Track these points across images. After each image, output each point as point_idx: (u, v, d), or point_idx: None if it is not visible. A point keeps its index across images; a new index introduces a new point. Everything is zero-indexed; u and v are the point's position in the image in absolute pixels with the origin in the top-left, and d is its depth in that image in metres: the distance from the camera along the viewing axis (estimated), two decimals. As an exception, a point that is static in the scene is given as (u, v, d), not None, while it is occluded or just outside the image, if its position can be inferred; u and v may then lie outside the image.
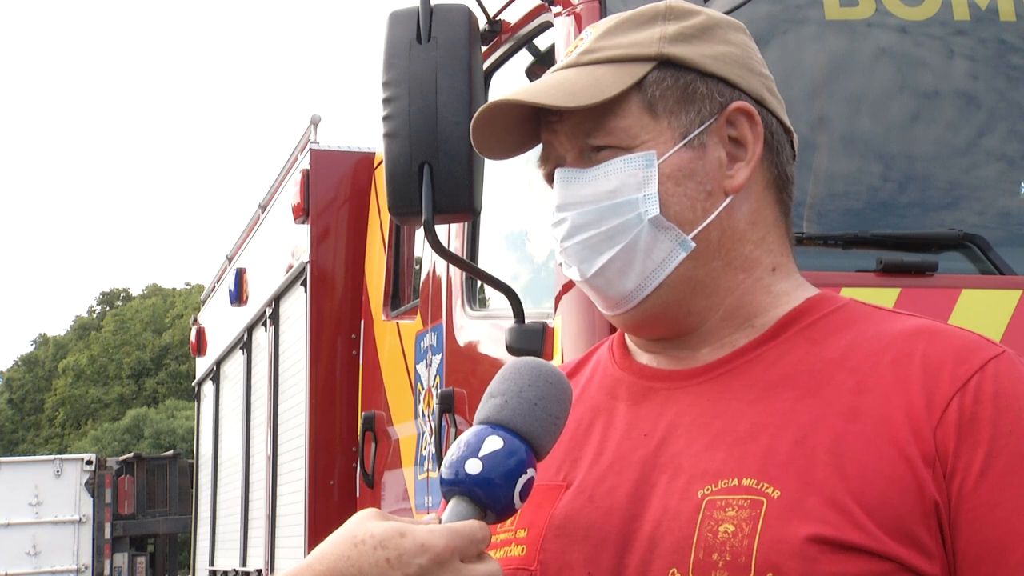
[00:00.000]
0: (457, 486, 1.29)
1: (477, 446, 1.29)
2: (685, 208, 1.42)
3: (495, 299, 3.80)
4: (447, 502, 1.31)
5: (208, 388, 9.14)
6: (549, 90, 1.43)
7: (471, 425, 1.35)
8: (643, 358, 1.52)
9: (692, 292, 1.44)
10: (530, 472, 1.30)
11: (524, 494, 1.30)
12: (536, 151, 1.55)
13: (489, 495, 1.28)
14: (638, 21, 1.48)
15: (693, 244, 1.42)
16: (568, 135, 1.46)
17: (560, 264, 1.52)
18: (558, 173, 1.47)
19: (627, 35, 1.47)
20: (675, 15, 1.48)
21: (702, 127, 1.44)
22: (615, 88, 1.42)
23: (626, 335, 1.56)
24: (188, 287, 60.11)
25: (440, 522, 1.27)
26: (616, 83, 1.42)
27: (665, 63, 1.44)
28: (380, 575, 1.21)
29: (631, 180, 1.42)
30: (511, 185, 3.92)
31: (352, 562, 1.22)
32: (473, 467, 1.28)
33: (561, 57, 1.54)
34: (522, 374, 1.35)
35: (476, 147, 1.51)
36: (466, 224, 3.79)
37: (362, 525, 1.26)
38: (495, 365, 3.66)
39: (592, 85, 1.42)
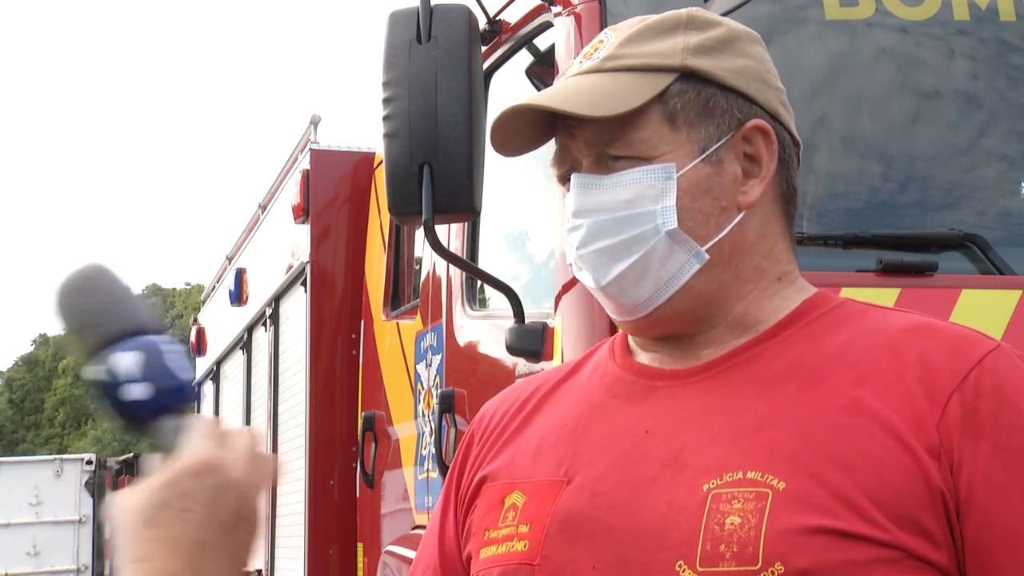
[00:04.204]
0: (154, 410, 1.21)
1: (129, 372, 1.20)
2: (699, 223, 1.44)
3: (495, 299, 3.79)
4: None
5: (208, 388, 9.14)
6: (573, 97, 1.44)
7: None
8: (644, 357, 1.53)
9: (704, 303, 1.46)
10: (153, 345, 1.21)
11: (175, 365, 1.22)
12: (544, 151, 1.55)
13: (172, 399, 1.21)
14: (660, 29, 1.48)
15: (707, 256, 1.44)
16: (586, 141, 1.46)
17: (571, 265, 1.52)
18: (575, 179, 1.47)
19: (649, 43, 1.47)
20: (696, 25, 1.48)
21: (720, 142, 1.45)
22: (638, 99, 1.43)
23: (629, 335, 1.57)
24: (188, 287, 60.07)
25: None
26: (639, 94, 1.43)
27: (687, 75, 1.45)
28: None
29: (649, 191, 1.43)
30: (511, 185, 3.92)
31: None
32: (143, 391, 1.20)
33: (578, 58, 1.53)
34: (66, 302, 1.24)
35: (493, 145, 1.52)
36: (466, 224, 3.78)
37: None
38: (495, 365, 3.66)
39: (615, 93, 1.43)
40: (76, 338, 1.23)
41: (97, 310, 1.23)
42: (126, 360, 1.20)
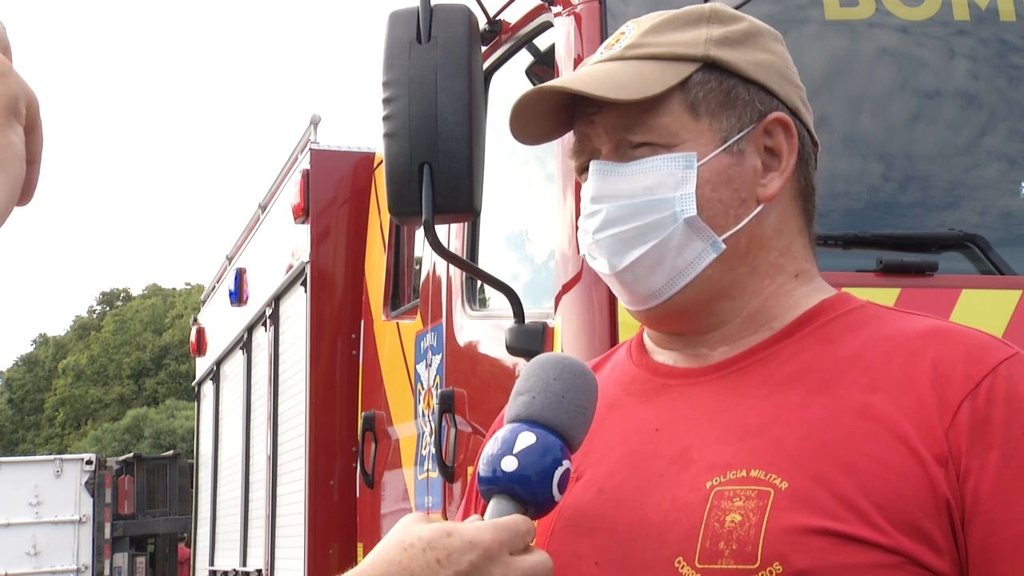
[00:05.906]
0: (495, 484, 1.31)
1: (511, 444, 1.31)
2: (719, 213, 1.44)
3: (495, 299, 3.80)
4: (487, 503, 1.33)
5: (208, 388, 9.14)
6: (596, 81, 1.44)
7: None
8: (660, 356, 1.53)
9: (717, 295, 1.46)
10: (566, 464, 1.32)
11: (562, 486, 1.32)
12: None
13: (527, 490, 1.30)
14: (683, 21, 1.49)
15: (724, 246, 1.44)
16: (606, 128, 1.46)
17: (584, 256, 1.52)
18: (594, 165, 1.47)
19: (672, 34, 1.48)
20: (719, 19, 1.49)
21: (741, 133, 1.45)
22: (661, 85, 1.43)
23: (645, 335, 1.58)
24: (188, 287, 60.08)
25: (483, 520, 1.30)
26: (662, 80, 1.43)
27: (710, 65, 1.46)
28: (432, 575, 1.24)
29: (670, 179, 1.43)
30: (511, 185, 3.92)
31: (404, 566, 1.25)
32: (509, 464, 1.30)
33: (600, 49, 1.54)
34: (546, 369, 1.37)
35: (512, 131, 1.52)
36: (466, 224, 3.79)
37: (409, 529, 1.28)
38: (495, 365, 3.66)
39: (638, 80, 1.43)
40: (531, 399, 1.35)
41: (564, 397, 1.35)
42: (524, 437, 1.31)
